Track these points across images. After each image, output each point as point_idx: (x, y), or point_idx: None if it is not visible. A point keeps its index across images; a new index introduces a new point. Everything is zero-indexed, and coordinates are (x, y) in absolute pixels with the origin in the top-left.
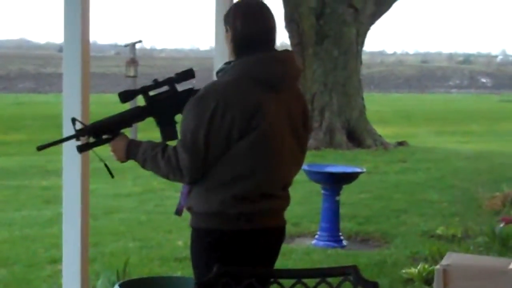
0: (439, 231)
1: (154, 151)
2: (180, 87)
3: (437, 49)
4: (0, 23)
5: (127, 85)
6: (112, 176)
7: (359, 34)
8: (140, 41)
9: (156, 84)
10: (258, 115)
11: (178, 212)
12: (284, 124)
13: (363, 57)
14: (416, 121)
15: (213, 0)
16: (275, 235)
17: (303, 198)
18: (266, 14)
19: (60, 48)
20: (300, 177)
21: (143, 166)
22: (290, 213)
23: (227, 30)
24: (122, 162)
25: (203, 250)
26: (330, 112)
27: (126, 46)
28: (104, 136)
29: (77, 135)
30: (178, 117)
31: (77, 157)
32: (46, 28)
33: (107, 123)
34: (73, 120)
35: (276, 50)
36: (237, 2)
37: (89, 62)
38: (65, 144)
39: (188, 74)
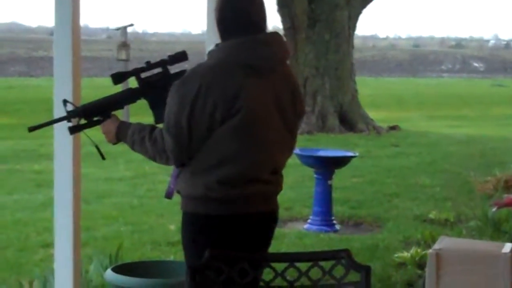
0: (431, 215)
1: (142, 134)
2: (173, 69)
3: (429, 33)
4: None
5: (118, 69)
6: (103, 158)
7: (351, 17)
8: (131, 25)
9: (149, 66)
10: (240, 99)
11: (168, 195)
12: (270, 108)
13: (355, 41)
14: (408, 105)
15: None
16: (265, 220)
17: (295, 182)
18: None
19: (51, 32)
20: (292, 161)
21: (132, 148)
22: (283, 197)
23: (221, 14)
24: (113, 143)
25: (191, 234)
26: (322, 96)
27: (117, 29)
28: (95, 118)
29: (68, 116)
30: None
31: (68, 141)
32: (38, 11)
33: (98, 105)
34: (64, 102)
35: (262, 33)
36: None
37: (80, 46)
38: (56, 127)
39: (181, 56)
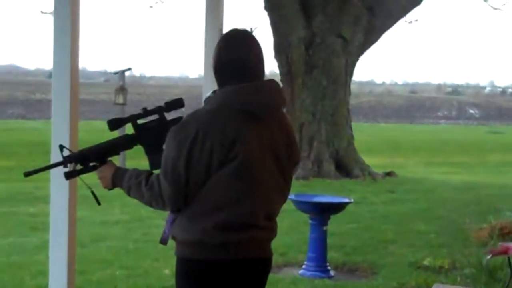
0: (426, 262)
1: (139, 179)
2: (169, 116)
3: (425, 80)
4: None
5: (116, 112)
6: (99, 204)
7: (348, 64)
8: (129, 69)
9: (145, 112)
10: (237, 144)
11: (163, 241)
12: (266, 154)
13: (352, 86)
14: (404, 151)
15: (202, 29)
16: (259, 267)
17: (291, 227)
18: (249, 43)
19: (49, 75)
20: (287, 206)
21: (128, 193)
22: (278, 243)
23: (223, 59)
24: (109, 189)
25: (185, 280)
26: (318, 141)
27: (115, 73)
28: (91, 164)
29: (65, 162)
30: None
31: (64, 184)
32: (36, 54)
33: (94, 151)
34: (61, 147)
35: (259, 80)
36: (225, 33)
37: (78, 89)
38: (52, 171)
39: (177, 103)
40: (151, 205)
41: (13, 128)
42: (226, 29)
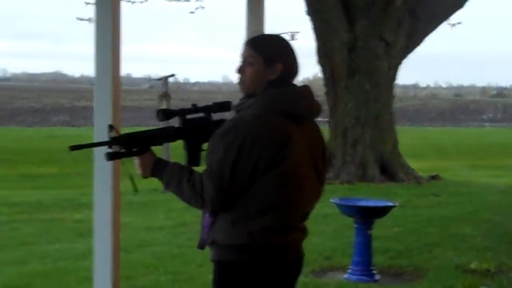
0: (472, 265)
1: (181, 174)
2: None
3: (470, 82)
4: (36, 57)
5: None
6: (136, 190)
7: (391, 67)
8: (173, 75)
9: (194, 109)
10: (286, 147)
11: (202, 246)
12: (306, 157)
13: (396, 90)
14: (449, 154)
15: (243, 33)
16: (296, 267)
17: (336, 231)
18: (293, 48)
19: (93, 82)
20: (332, 210)
21: (167, 186)
22: (323, 247)
23: (269, 63)
24: (145, 177)
25: (229, 284)
26: (362, 145)
27: (159, 79)
28: (134, 149)
29: (111, 142)
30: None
31: (108, 190)
32: (81, 61)
33: (141, 137)
34: (110, 127)
35: (296, 85)
36: (277, 36)
37: (119, 96)
38: (96, 178)
39: (225, 106)
40: (189, 202)
41: (58, 135)
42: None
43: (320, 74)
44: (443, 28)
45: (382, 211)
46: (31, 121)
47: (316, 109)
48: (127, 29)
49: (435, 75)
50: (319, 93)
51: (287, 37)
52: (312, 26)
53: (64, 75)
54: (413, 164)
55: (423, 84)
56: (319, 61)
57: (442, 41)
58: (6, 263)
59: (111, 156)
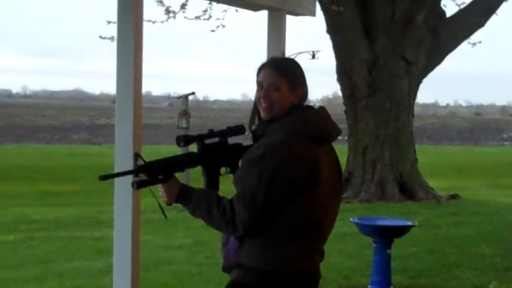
0: (491, 285)
1: (208, 201)
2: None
3: (490, 101)
4: (56, 74)
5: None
6: (165, 216)
7: (411, 86)
8: (193, 93)
9: (211, 134)
10: (316, 170)
11: (228, 269)
12: (329, 178)
13: (416, 109)
14: (468, 173)
15: (264, 51)
16: (314, 287)
17: (354, 251)
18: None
19: (114, 99)
20: (351, 229)
21: (193, 212)
22: (342, 266)
23: (293, 88)
24: (169, 204)
25: None
26: (382, 164)
27: (179, 97)
28: (160, 176)
29: (138, 170)
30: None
31: (128, 208)
32: (101, 79)
33: (166, 164)
34: (136, 156)
35: (315, 107)
36: (295, 60)
37: (141, 114)
38: (116, 195)
39: (239, 130)
40: (218, 228)
41: (78, 153)
42: (288, 52)
43: (339, 93)
44: (463, 47)
45: (401, 231)
46: (51, 139)
47: (338, 131)
48: (147, 46)
49: (455, 93)
50: (339, 111)
51: (308, 55)
52: (332, 45)
53: (84, 93)
54: (432, 183)
55: (442, 102)
56: (339, 80)
57: (462, 59)
58: (24, 281)
59: (138, 185)
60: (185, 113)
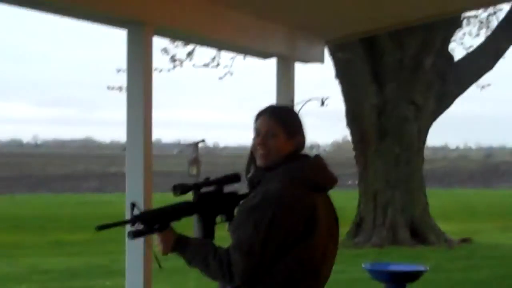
0: None
1: (205, 250)
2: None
3: (500, 143)
4: (66, 123)
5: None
6: (160, 266)
7: (420, 130)
8: (203, 140)
9: (207, 182)
10: (313, 219)
11: None
12: (326, 227)
13: (426, 152)
14: (480, 216)
15: (273, 98)
16: None
17: None
18: None
19: (124, 147)
20: (363, 275)
21: (189, 262)
22: None
23: (291, 136)
24: (165, 254)
25: None
26: (392, 209)
27: (188, 146)
28: (156, 226)
29: (134, 220)
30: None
31: (139, 257)
32: (111, 127)
33: (161, 213)
34: (132, 206)
35: (311, 156)
36: (293, 109)
37: (151, 163)
38: (128, 244)
39: (235, 178)
40: (214, 278)
41: (89, 202)
42: (297, 98)
43: (349, 137)
44: (472, 89)
45: (413, 276)
46: (62, 188)
47: (335, 179)
48: (156, 94)
49: (464, 136)
50: (349, 155)
51: (318, 102)
52: (341, 90)
53: (94, 141)
54: (443, 226)
55: (452, 145)
56: (348, 124)
57: (471, 102)
58: None
59: (134, 235)
60: (195, 161)
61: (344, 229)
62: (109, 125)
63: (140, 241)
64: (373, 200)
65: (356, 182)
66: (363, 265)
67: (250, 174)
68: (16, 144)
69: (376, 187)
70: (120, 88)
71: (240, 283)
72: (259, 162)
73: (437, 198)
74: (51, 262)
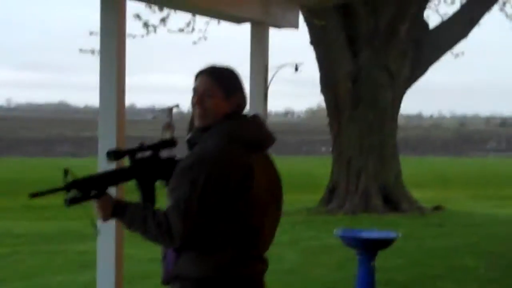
0: None
1: (143, 214)
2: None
3: (474, 112)
4: (40, 87)
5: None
6: (97, 233)
7: (394, 97)
8: (177, 105)
9: (142, 147)
10: (250, 178)
11: (167, 282)
12: (266, 185)
13: (399, 120)
14: (453, 184)
15: (247, 64)
16: None
17: (339, 263)
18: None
19: (97, 112)
20: (335, 241)
21: (129, 226)
22: (326, 278)
23: (228, 96)
24: (105, 220)
25: None
26: (365, 176)
27: (163, 111)
28: (92, 192)
29: (67, 187)
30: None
31: (111, 222)
32: (85, 91)
33: (96, 179)
34: (65, 172)
35: (248, 115)
36: (232, 69)
37: (124, 127)
38: None
39: (171, 143)
40: (154, 240)
41: (62, 166)
42: (271, 65)
43: (323, 104)
44: (446, 58)
45: (385, 243)
46: (35, 152)
47: (272, 138)
48: (130, 60)
49: (438, 104)
50: (323, 122)
51: (291, 68)
52: (316, 56)
53: (68, 106)
54: (416, 194)
55: (426, 113)
56: (322, 91)
57: (445, 70)
58: None
59: (70, 201)
60: (169, 126)
61: (317, 195)
62: (83, 90)
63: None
64: (346, 167)
65: (330, 149)
66: (335, 232)
67: (188, 136)
68: None
69: (349, 153)
70: (92, 51)
71: (179, 244)
72: (196, 122)
73: (410, 166)
74: (24, 225)
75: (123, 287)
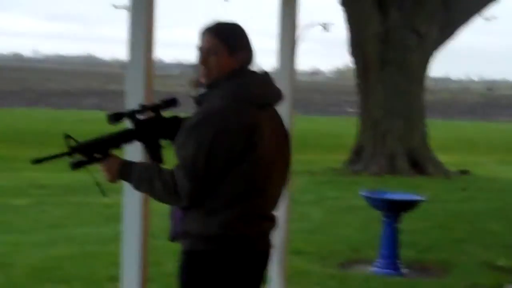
0: (500, 262)
1: (150, 173)
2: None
3: (502, 77)
4: (69, 39)
5: (190, 104)
6: (104, 195)
7: (423, 60)
8: None
9: (143, 108)
10: (256, 136)
11: (175, 238)
12: (273, 143)
13: (427, 83)
14: (479, 149)
15: (276, 22)
16: (265, 258)
17: (363, 224)
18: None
19: (125, 66)
20: (360, 203)
21: (137, 187)
22: (350, 239)
23: (233, 53)
24: (112, 182)
25: (199, 273)
26: (392, 138)
27: (190, 66)
28: (96, 155)
29: (70, 152)
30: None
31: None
32: (113, 44)
33: (99, 142)
34: (67, 137)
35: (257, 72)
36: (238, 25)
37: (152, 81)
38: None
39: (172, 102)
40: (162, 200)
41: (88, 119)
42: (301, 25)
43: (351, 65)
44: (476, 21)
45: (410, 205)
46: (61, 103)
47: (280, 95)
48: (159, 13)
49: (467, 68)
50: (350, 83)
51: (321, 27)
52: (345, 17)
53: (96, 58)
54: (442, 158)
55: (454, 77)
56: (351, 52)
57: (474, 34)
58: (33, 245)
59: (75, 165)
60: (195, 81)
61: (343, 156)
62: (110, 42)
63: (139, 158)
64: (372, 128)
65: (356, 109)
66: (360, 192)
67: (195, 93)
68: (17, 58)
69: (376, 115)
70: (126, 7)
71: (187, 203)
72: (202, 80)
73: (437, 129)
74: (50, 177)
75: (148, 241)
